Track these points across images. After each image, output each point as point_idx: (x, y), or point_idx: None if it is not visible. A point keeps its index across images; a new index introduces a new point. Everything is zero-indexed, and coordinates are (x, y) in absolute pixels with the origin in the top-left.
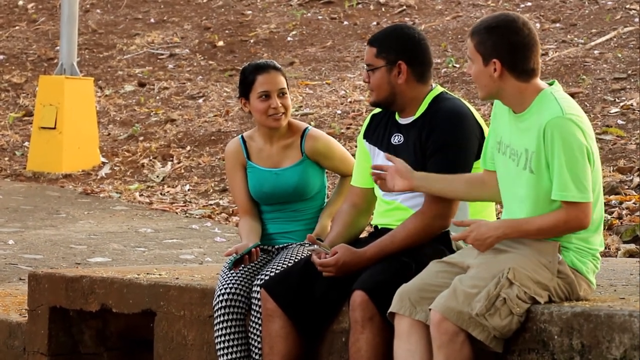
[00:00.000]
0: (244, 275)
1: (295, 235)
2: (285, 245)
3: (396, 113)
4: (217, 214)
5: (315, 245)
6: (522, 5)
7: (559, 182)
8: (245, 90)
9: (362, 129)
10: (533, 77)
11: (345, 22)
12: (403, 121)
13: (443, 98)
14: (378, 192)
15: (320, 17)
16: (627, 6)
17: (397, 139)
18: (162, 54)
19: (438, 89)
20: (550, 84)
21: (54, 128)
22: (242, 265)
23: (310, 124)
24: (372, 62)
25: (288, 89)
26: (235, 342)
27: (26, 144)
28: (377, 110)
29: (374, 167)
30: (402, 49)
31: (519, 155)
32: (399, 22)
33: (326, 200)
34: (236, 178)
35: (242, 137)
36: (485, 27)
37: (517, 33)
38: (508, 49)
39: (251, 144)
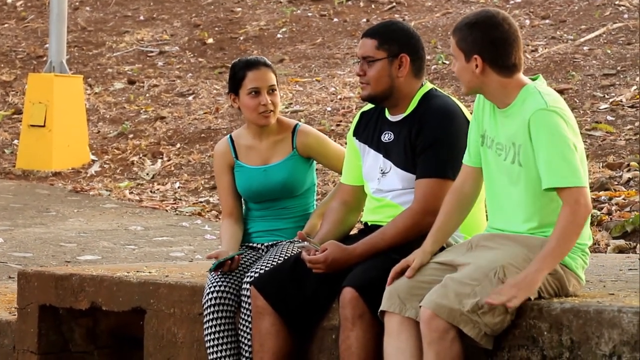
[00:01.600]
0: (233, 273)
1: (284, 233)
2: (274, 242)
3: (386, 110)
4: (207, 211)
5: (305, 242)
6: (512, 2)
7: (550, 171)
8: (235, 86)
9: (352, 127)
10: (515, 72)
11: (335, 19)
12: (393, 118)
13: (433, 95)
14: (368, 188)
15: (310, 14)
16: (616, 2)
17: (387, 137)
18: (152, 52)
19: (428, 86)
20: (534, 79)
21: (44, 126)
22: (221, 270)
23: (300, 121)
24: (372, 54)
25: (278, 85)
26: (225, 340)
27: (15, 142)
28: (367, 107)
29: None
30: (405, 42)
31: (507, 150)
32: (390, 18)
33: (315, 198)
34: (223, 180)
35: (231, 136)
36: (466, 23)
37: (497, 28)
38: (488, 44)
39: (239, 143)
